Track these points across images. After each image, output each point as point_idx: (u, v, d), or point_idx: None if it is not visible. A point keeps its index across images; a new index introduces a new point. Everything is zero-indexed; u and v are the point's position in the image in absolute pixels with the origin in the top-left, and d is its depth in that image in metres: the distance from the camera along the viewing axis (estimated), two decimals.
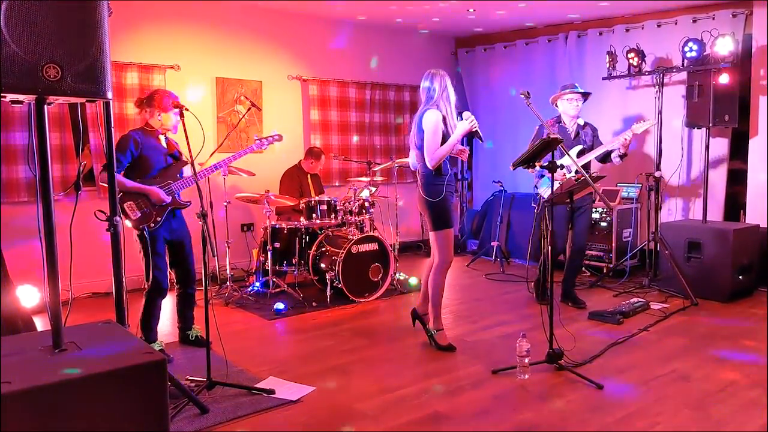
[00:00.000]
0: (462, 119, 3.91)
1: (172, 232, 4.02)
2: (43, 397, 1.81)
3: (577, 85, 5.07)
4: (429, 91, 3.93)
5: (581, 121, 5.09)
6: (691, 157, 6.17)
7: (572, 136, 5.02)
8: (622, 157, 4.91)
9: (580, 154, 4.98)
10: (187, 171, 4.06)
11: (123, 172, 3.85)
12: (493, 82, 7.88)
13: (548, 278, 3.96)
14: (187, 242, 4.13)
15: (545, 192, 5.05)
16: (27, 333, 3.23)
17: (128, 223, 3.83)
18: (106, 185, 3.76)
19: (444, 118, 3.88)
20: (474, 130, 3.86)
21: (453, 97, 3.95)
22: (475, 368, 3.75)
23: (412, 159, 4.20)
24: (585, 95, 5.07)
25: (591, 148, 5.02)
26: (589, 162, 4.99)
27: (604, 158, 5.05)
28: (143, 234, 3.85)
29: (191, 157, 3.41)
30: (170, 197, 3.92)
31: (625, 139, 4.81)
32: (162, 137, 4.01)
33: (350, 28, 7.25)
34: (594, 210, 6.30)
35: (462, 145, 4.07)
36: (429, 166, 3.89)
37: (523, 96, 3.95)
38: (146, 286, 3.94)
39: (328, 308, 5.15)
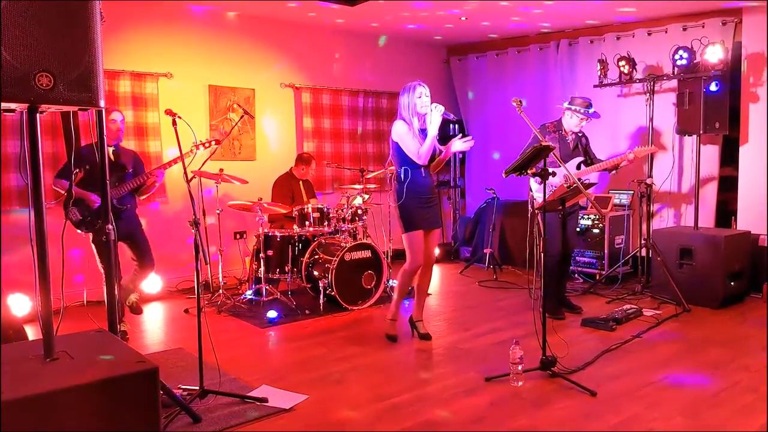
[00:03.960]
0: (432, 116, 4.22)
1: (118, 232, 4.29)
2: (34, 406, 1.80)
3: (591, 104, 4.96)
4: (399, 106, 4.34)
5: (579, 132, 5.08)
6: (683, 164, 6.21)
7: (571, 146, 5.01)
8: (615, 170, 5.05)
9: (579, 166, 4.99)
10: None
11: (73, 181, 4.39)
12: (485, 90, 7.92)
13: (547, 285, 3.96)
14: (138, 235, 4.76)
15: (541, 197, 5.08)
16: (18, 342, 3.21)
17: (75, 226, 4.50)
18: (61, 191, 4.42)
19: (410, 125, 4.23)
20: (443, 116, 4.20)
21: (418, 108, 4.24)
22: (468, 375, 3.75)
23: None
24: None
25: (587, 160, 5.06)
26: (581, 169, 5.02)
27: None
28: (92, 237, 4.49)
29: (184, 164, 3.46)
30: (99, 201, 4.33)
31: (627, 161, 4.87)
32: (110, 149, 4.45)
33: (343, 36, 7.27)
34: (587, 217, 6.33)
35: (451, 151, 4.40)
36: (420, 163, 4.22)
37: (515, 104, 3.97)
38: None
39: (321, 316, 5.13)
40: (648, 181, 5.79)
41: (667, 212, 6.36)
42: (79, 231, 4.55)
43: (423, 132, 4.25)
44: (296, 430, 3.05)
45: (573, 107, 4.93)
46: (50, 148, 5.34)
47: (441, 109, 4.17)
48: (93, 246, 4.48)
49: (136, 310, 4.94)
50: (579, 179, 4.33)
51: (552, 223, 4.87)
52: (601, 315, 4.88)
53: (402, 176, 4.26)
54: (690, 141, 5.99)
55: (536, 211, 4.83)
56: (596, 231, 6.27)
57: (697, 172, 5.72)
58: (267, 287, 5.41)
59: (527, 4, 5.95)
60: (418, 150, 4.17)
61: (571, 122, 4.97)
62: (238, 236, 6.45)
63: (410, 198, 4.24)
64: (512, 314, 5.20)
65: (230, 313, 5.25)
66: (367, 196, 5.90)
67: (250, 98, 6.59)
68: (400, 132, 4.22)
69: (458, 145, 4.25)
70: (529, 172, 3.81)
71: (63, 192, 4.41)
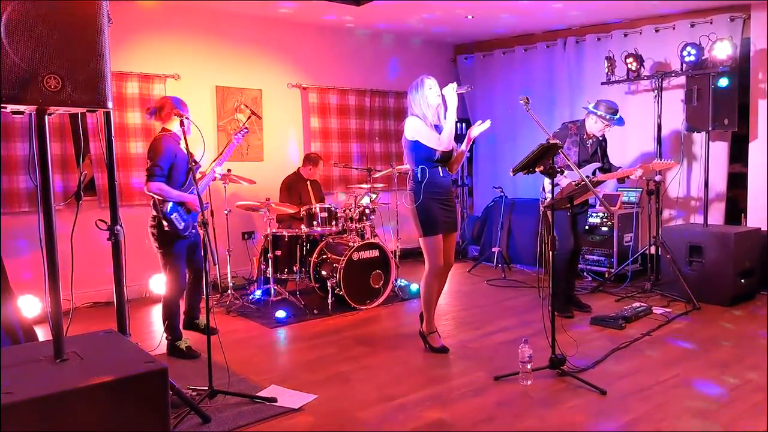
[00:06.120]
0: (448, 98, 3.97)
1: (191, 234, 4.13)
2: (44, 407, 1.81)
3: (617, 110, 4.86)
4: (409, 104, 4.08)
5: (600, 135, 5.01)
6: (692, 161, 6.18)
7: (590, 151, 4.95)
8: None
9: (595, 172, 4.96)
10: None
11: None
12: (492, 88, 7.90)
13: (557, 284, 3.93)
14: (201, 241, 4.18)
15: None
16: (28, 343, 3.23)
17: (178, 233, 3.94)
18: (152, 194, 3.86)
19: (424, 120, 3.97)
20: (456, 91, 3.93)
21: (430, 100, 3.99)
22: (477, 375, 3.74)
23: None
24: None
25: (605, 164, 5.06)
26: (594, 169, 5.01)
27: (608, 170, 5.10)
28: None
29: (191, 166, 3.48)
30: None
31: (637, 175, 4.88)
32: (182, 142, 3.99)
33: (349, 36, 7.27)
34: (595, 215, 6.30)
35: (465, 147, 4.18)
36: (443, 149, 3.96)
37: (522, 102, 3.95)
38: (166, 291, 4.14)
39: (329, 316, 5.14)
40: (657, 178, 5.76)
41: (676, 210, 6.32)
42: (181, 236, 3.99)
43: (437, 128, 4.02)
44: (305, 430, 3.06)
45: (598, 112, 4.83)
46: (58, 150, 5.37)
47: (453, 86, 3.89)
48: (174, 253, 4.02)
49: (192, 353, 4.14)
50: (587, 177, 4.31)
51: (562, 221, 4.85)
52: (610, 313, 4.86)
53: (419, 176, 3.98)
54: (699, 138, 5.95)
55: (545, 209, 4.82)
56: (605, 229, 6.24)
57: (706, 169, 5.69)
58: (275, 287, 5.42)
59: (534, 4, 5.93)
60: (438, 138, 3.91)
61: (594, 127, 4.89)
62: (246, 236, 6.46)
63: (428, 199, 3.97)
64: (521, 313, 5.19)
65: (239, 313, 5.26)
66: (374, 196, 5.90)
67: (257, 99, 6.60)
68: (416, 127, 3.95)
69: (476, 129, 4.03)
70: (537, 170, 3.80)
71: (157, 196, 3.89)
